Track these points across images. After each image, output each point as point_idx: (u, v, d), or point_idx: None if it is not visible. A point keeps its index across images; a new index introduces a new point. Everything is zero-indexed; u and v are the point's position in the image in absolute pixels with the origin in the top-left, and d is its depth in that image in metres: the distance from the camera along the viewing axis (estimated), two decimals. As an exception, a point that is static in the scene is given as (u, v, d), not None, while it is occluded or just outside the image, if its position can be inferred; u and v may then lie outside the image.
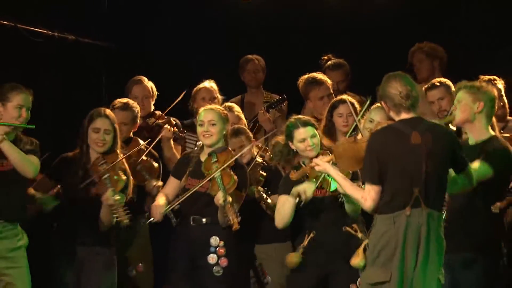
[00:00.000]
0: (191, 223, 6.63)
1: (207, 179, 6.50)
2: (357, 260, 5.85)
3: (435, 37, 8.34)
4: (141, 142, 7.25)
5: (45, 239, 7.00)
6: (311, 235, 6.33)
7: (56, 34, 8.73)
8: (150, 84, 7.98)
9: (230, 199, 6.39)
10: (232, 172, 6.51)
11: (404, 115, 5.63)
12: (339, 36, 9.03)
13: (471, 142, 6.14)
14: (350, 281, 6.32)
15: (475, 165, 5.98)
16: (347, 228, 6.32)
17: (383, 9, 8.80)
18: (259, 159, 7.10)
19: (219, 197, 6.40)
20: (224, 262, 6.55)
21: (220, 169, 6.41)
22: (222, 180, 6.44)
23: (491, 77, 7.14)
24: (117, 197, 6.48)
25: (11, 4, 8.30)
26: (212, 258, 6.57)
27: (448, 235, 5.80)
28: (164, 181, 7.21)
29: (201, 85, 7.93)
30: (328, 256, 6.34)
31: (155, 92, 8.02)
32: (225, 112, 6.87)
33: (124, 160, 6.84)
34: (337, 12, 8.89)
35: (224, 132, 6.74)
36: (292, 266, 6.38)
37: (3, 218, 6.48)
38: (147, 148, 7.29)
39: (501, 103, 7.17)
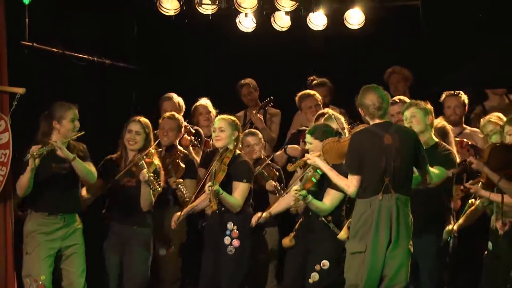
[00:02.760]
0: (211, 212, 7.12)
1: (208, 174, 7.02)
2: (341, 234, 6.51)
3: (397, 59, 8.98)
4: (180, 148, 7.68)
5: (93, 224, 7.43)
6: (300, 220, 6.92)
7: (95, 59, 9.16)
8: (178, 100, 8.40)
9: (215, 188, 6.83)
10: (225, 166, 6.97)
11: (377, 120, 6.19)
12: (321, 59, 9.42)
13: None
14: (321, 258, 6.77)
15: (435, 170, 6.51)
16: (322, 218, 6.77)
17: (357, 37, 9.07)
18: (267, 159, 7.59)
19: (144, 174, 6.92)
20: (236, 243, 7.04)
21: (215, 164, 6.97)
22: (215, 173, 6.94)
23: (457, 91, 7.87)
24: (151, 174, 6.94)
25: (60, 35, 8.69)
26: (227, 240, 7.04)
27: (415, 220, 6.27)
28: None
29: (198, 103, 8.46)
30: (310, 237, 6.84)
31: (183, 106, 8.41)
32: (234, 120, 7.21)
33: (157, 156, 7.27)
34: (321, 40, 9.19)
35: (234, 137, 7.11)
36: (287, 247, 6.92)
37: (66, 211, 6.96)
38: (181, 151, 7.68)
39: (457, 113, 7.86)
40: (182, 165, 7.61)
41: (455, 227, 6.66)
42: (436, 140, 6.78)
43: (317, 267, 6.74)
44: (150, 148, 7.19)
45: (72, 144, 6.99)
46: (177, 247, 7.73)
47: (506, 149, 6.02)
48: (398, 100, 7.58)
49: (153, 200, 7.14)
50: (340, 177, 6.26)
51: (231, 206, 7.00)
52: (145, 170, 6.96)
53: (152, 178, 6.97)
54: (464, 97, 7.86)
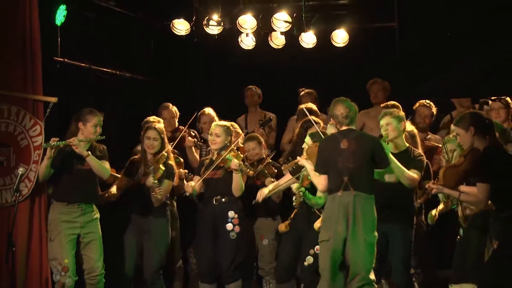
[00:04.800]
0: (214, 202, 7.48)
1: (220, 160, 7.28)
2: (316, 225, 7.02)
3: (376, 72, 9.35)
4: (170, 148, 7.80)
5: (113, 215, 7.76)
6: (295, 211, 7.30)
7: (117, 72, 9.64)
8: (174, 108, 8.78)
9: (241, 162, 7.26)
10: (238, 152, 7.40)
11: (343, 127, 6.62)
12: (312, 72, 9.96)
13: (394, 151, 7.01)
14: (314, 244, 7.14)
15: (413, 173, 6.90)
16: (315, 210, 7.24)
17: (342, 53, 9.64)
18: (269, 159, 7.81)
19: (235, 162, 7.26)
20: (237, 229, 7.43)
21: (228, 151, 7.32)
22: (231, 156, 7.29)
23: (427, 101, 8.26)
24: (154, 181, 7.24)
25: (87, 52, 9.20)
26: (229, 226, 7.41)
27: (387, 211, 6.79)
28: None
29: (202, 111, 8.66)
30: (303, 225, 7.27)
31: (178, 113, 8.81)
32: (229, 127, 7.57)
33: (171, 156, 7.52)
34: (311, 56, 9.65)
35: (227, 142, 7.47)
36: (282, 232, 7.39)
37: (84, 201, 7.29)
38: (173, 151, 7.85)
39: (426, 121, 8.30)
40: (181, 159, 8.00)
41: (436, 212, 7.00)
42: (407, 145, 7.12)
43: (311, 252, 7.16)
44: (163, 152, 7.55)
45: (94, 144, 7.33)
46: (177, 232, 8.08)
47: (454, 168, 6.24)
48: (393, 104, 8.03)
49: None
50: (316, 175, 6.70)
51: (237, 189, 7.40)
52: (150, 177, 7.37)
53: (155, 185, 7.34)
54: (434, 109, 8.28)
